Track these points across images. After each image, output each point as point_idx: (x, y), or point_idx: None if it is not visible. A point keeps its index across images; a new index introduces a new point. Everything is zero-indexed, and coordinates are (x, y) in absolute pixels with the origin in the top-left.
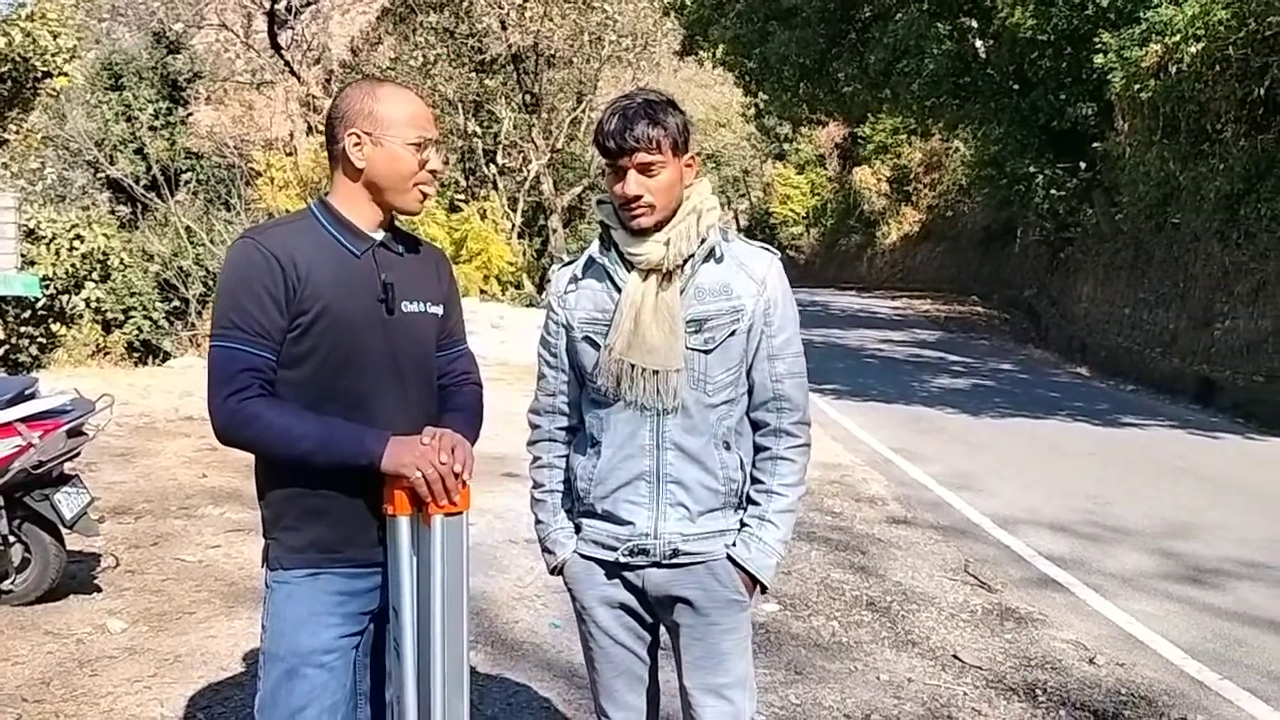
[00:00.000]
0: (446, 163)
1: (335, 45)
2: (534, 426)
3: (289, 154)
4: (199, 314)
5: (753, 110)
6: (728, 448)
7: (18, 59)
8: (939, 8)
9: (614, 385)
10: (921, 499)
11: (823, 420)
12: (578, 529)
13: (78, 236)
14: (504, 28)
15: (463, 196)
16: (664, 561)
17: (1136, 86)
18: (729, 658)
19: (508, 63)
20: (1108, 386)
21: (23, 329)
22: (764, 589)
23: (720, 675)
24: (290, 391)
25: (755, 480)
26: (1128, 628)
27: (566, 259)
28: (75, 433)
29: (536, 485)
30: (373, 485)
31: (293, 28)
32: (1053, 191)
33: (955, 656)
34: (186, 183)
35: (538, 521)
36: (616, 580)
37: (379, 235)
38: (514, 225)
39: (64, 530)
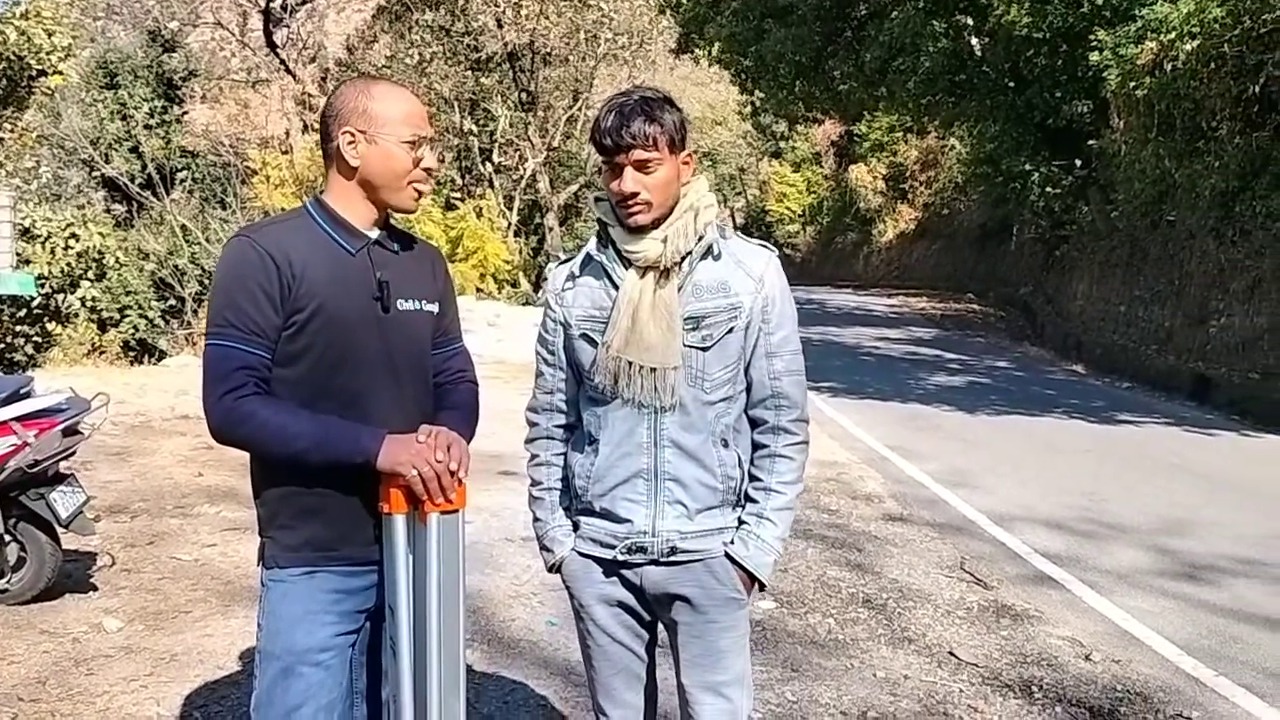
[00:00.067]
0: (442, 161)
1: (331, 43)
2: (532, 424)
3: (284, 152)
4: (195, 313)
5: (748, 108)
6: (726, 445)
7: (12, 57)
8: (934, 5)
9: (612, 383)
10: (918, 496)
11: (819, 418)
12: (576, 527)
13: (73, 235)
14: (500, 26)
15: (459, 195)
16: (662, 559)
17: (1132, 84)
18: (727, 655)
19: (503, 61)
20: (1103, 384)
21: (18, 328)
22: (762, 587)
23: (718, 673)
24: (285, 389)
25: (753, 478)
26: (1123, 624)
27: (563, 257)
28: (71, 432)
29: (534, 483)
30: (368, 483)
31: (288, 26)
32: (1048, 189)
33: (951, 653)
34: (182, 181)
35: (535, 519)
36: (614, 578)
37: (374, 233)
38: (510, 223)
39: (60, 529)
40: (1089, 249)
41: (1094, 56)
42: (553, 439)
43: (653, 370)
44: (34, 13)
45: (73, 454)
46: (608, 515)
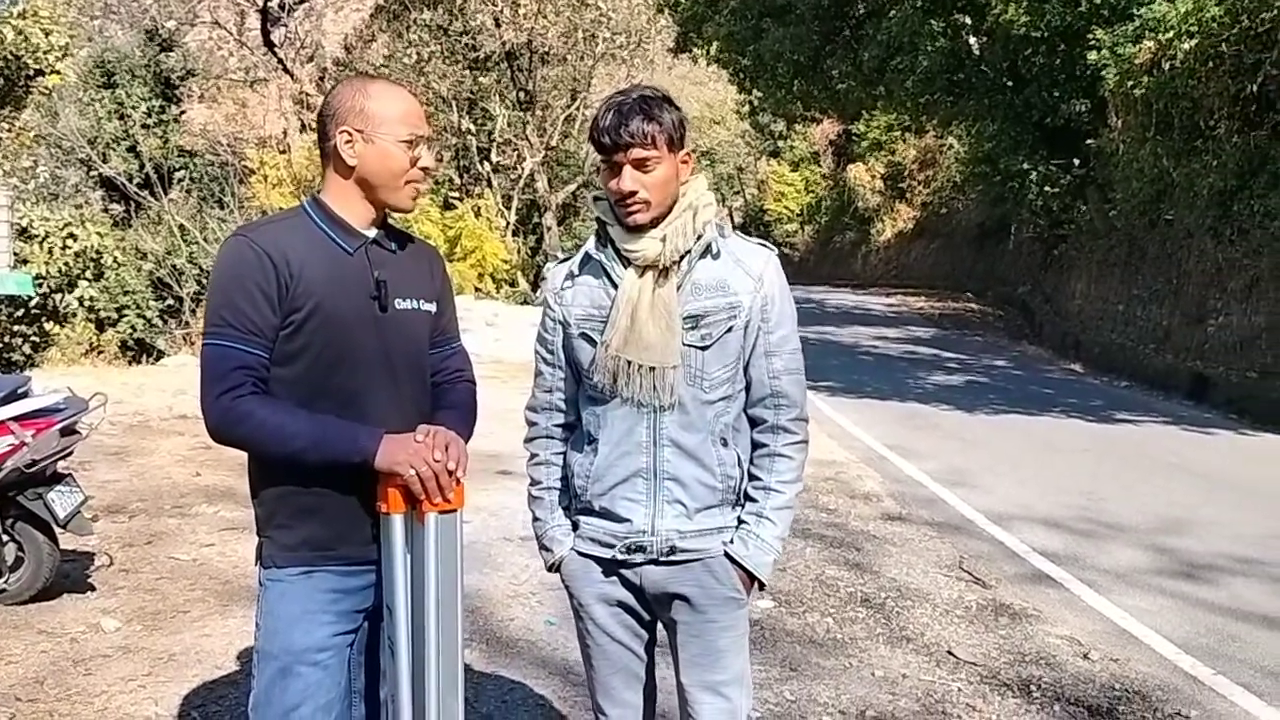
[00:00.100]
0: (440, 160)
1: (329, 43)
2: (531, 423)
3: (282, 152)
4: (193, 312)
5: (747, 107)
6: (725, 444)
7: (10, 56)
8: (932, 4)
9: (611, 382)
10: (916, 495)
11: (818, 417)
12: (575, 526)
13: (71, 235)
14: (498, 25)
15: (457, 194)
16: (661, 559)
17: (1130, 83)
18: (726, 655)
19: (501, 60)
20: (1101, 383)
21: (16, 328)
22: (761, 586)
23: (717, 672)
24: (283, 389)
25: (753, 477)
26: (1122, 623)
27: (561, 256)
28: (68, 431)
29: (534, 482)
30: (366, 483)
31: (286, 25)
32: (1046, 188)
33: (950, 652)
34: (180, 181)
35: (535, 519)
36: (614, 577)
37: (372, 232)
38: (508, 223)
39: (57, 529)
40: (1087, 248)
41: (1092, 55)
42: (552, 438)
43: (651, 369)
44: (31, 12)
45: (70, 454)
46: (607, 514)
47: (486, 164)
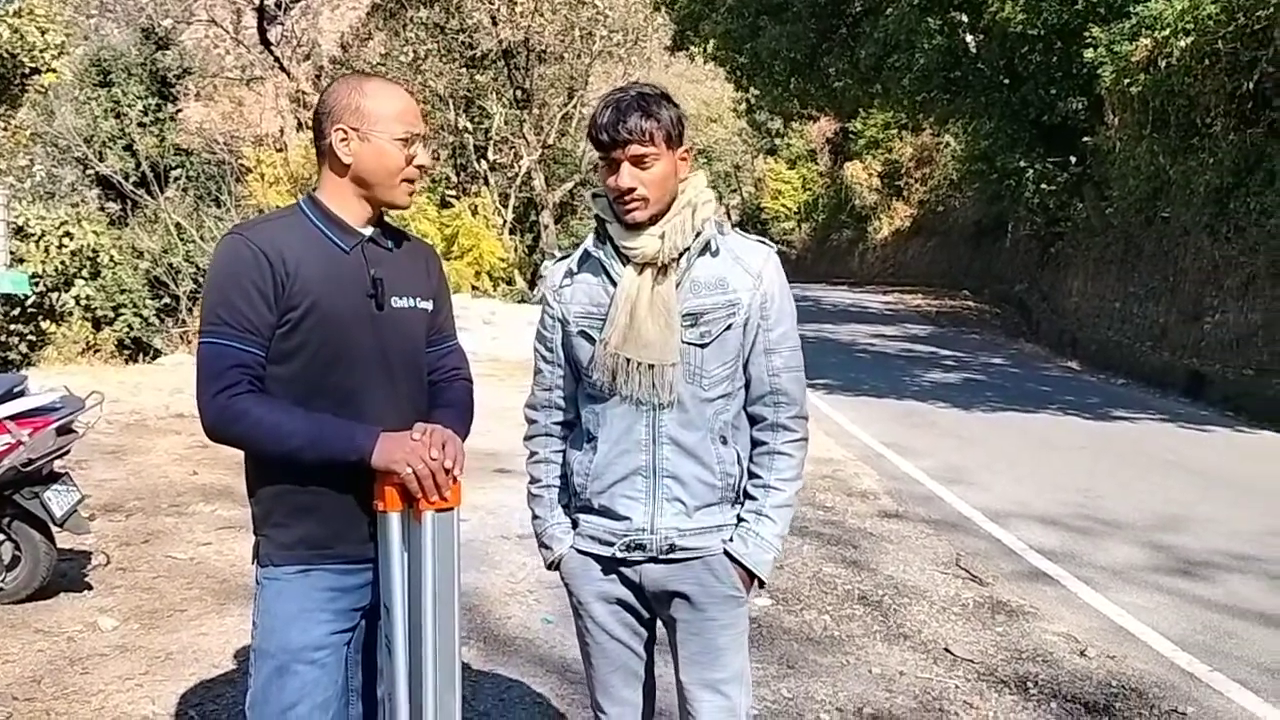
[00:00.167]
0: (437, 158)
1: (325, 41)
2: (530, 421)
3: (279, 150)
4: (189, 311)
5: (744, 105)
6: (724, 442)
7: (5, 55)
8: (929, 2)
9: (610, 380)
10: (913, 493)
11: (815, 415)
12: (575, 524)
13: (67, 234)
14: (495, 23)
15: (454, 192)
16: (661, 557)
17: (1126, 81)
18: (725, 653)
19: (498, 58)
20: (1098, 380)
21: (12, 326)
22: (761, 584)
23: (717, 670)
24: (279, 387)
25: (752, 475)
26: (1119, 620)
27: (560, 254)
28: (65, 430)
29: (533, 480)
30: (363, 481)
31: (282, 23)
32: (1043, 186)
33: (947, 650)
34: (176, 179)
35: (534, 516)
36: (613, 575)
37: (368, 231)
38: (505, 221)
39: (54, 528)
40: (1084, 245)
41: (1088, 53)
42: (551, 436)
43: (650, 367)
44: (27, 10)
45: (67, 452)
46: (606, 513)
47: (483, 162)
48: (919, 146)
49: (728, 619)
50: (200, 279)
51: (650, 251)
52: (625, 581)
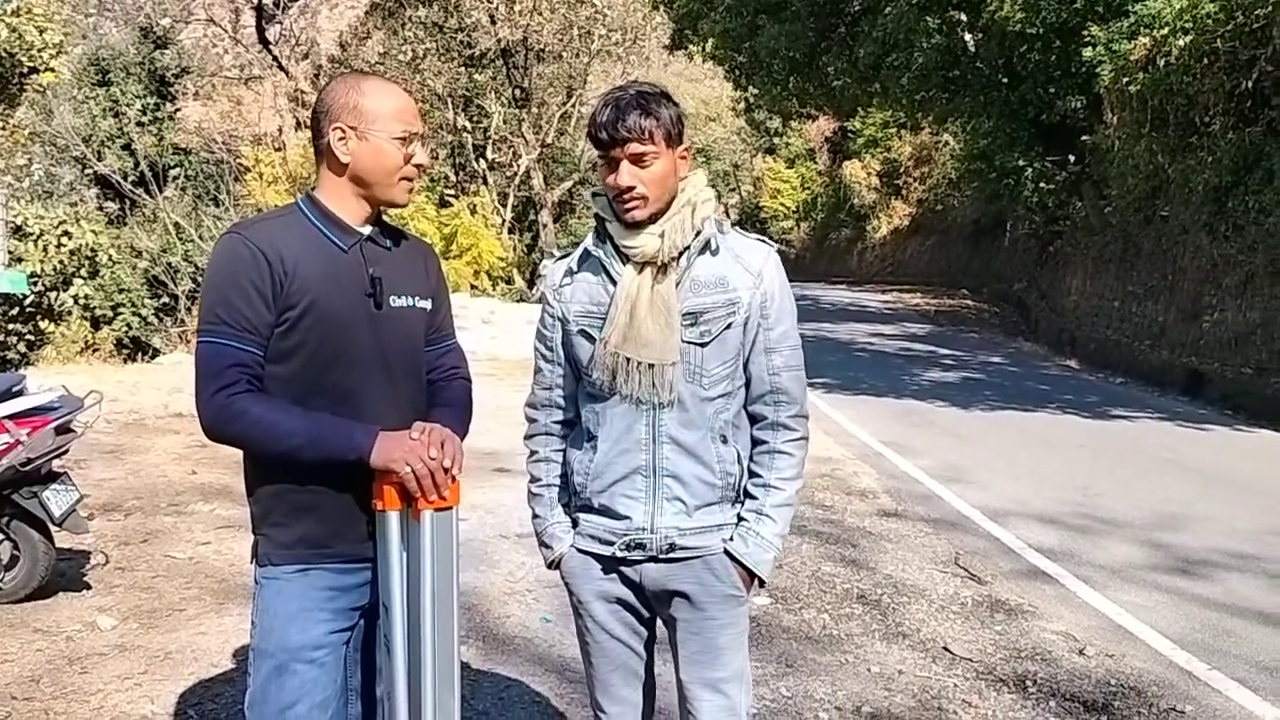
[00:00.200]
0: (435, 157)
1: (324, 40)
2: (530, 420)
3: (277, 149)
4: (188, 310)
5: (742, 104)
6: (724, 441)
7: (3, 54)
8: (928, 1)
9: (609, 379)
10: (912, 492)
11: (814, 414)
12: (575, 523)
13: (65, 233)
14: (493, 22)
15: (453, 192)
16: (661, 556)
17: (1125, 79)
18: (726, 652)
19: (497, 57)
20: (1097, 379)
21: (10, 326)
22: (762, 584)
23: (717, 669)
24: (278, 387)
25: (753, 474)
26: (1117, 619)
27: (559, 253)
28: (63, 429)
29: (533, 479)
30: (362, 480)
31: (281, 22)
32: (1042, 185)
33: (946, 648)
34: (175, 178)
35: (535, 515)
36: (613, 575)
37: (366, 230)
38: (504, 220)
39: (53, 527)
40: (1082, 244)
41: (1087, 52)
42: (551, 435)
43: (650, 366)
44: (25, 9)
45: (66, 452)
46: (606, 512)
47: (482, 161)
48: (918, 145)
49: (728, 618)
50: (199, 278)
51: (650, 250)
52: (625, 581)
